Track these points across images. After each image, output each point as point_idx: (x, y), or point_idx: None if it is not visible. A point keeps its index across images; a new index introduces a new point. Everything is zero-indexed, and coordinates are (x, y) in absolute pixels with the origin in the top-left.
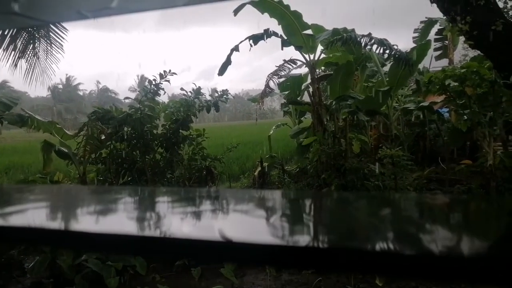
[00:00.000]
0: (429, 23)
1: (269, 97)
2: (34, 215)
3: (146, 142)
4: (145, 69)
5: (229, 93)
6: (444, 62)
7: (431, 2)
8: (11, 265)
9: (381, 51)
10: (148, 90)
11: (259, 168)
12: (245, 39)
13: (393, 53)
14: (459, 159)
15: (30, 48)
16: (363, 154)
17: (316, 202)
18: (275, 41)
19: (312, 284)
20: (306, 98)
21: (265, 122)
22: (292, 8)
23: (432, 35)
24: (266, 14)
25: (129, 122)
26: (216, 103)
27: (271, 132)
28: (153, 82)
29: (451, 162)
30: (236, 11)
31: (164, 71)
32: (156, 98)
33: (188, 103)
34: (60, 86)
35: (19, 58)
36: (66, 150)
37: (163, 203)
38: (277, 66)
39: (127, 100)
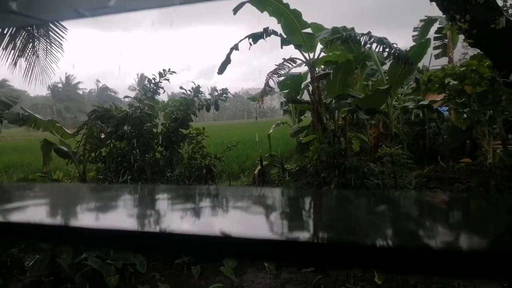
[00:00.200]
0: (429, 21)
1: (268, 96)
2: (34, 212)
3: (146, 141)
4: (145, 68)
5: (228, 91)
6: (443, 60)
7: (431, 1)
8: (11, 264)
9: (381, 50)
10: (147, 89)
11: (259, 167)
12: (245, 38)
13: (392, 51)
14: (459, 158)
15: (30, 47)
16: (362, 152)
17: (315, 199)
18: (275, 40)
19: (312, 283)
20: (305, 96)
21: (265, 120)
22: (291, 7)
23: (431, 33)
24: (265, 13)
25: (128, 121)
26: (216, 102)
27: (270, 131)
28: (153, 81)
29: (450, 160)
30: (235, 10)
31: (164, 70)
32: (156, 97)
33: (188, 102)
34: (60, 85)
35: (18, 57)
36: (66, 149)
37: (162, 200)
38: (276, 65)
39: (126, 99)
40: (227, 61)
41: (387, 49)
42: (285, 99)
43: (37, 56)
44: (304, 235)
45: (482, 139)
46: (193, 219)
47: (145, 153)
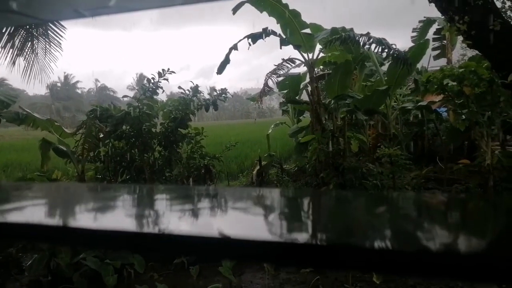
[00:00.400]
0: (428, 22)
1: (267, 96)
2: (31, 212)
3: (145, 141)
4: (144, 67)
5: (227, 91)
6: (442, 61)
7: (429, 2)
8: (9, 263)
9: (380, 51)
10: (146, 88)
11: (258, 167)
12: (244, 38)
13: (391, 52)
14: (457, 159)
15: (29, 46)
16: (361, 153)
17: (314, 200)
18: (274, 40)
19: (310, 283)
20: (304, 97)
21: (264, 121)
22: (290, 7)
23: (430, 34)
24: (264, 13)
25: (127, 120)
26: (215, 101)
27: (269, 131)
28: (152, 81)
29: (449, 161)
30: (234, 10)
31: (163, 70)
32: (155, 97)
33: (187, 101)
34: (59, 84)
35: (17, 56)
36: (65, 148)
37: (160, 201)
38: (275, 65)
39: (125, 99)
40: (226, 61)
41: (386, 50)
42: (284, 99)
43: (36, 55)
44: (302, 237)
45: (480, 140)
46: (191, 220)
47: (144, 153)
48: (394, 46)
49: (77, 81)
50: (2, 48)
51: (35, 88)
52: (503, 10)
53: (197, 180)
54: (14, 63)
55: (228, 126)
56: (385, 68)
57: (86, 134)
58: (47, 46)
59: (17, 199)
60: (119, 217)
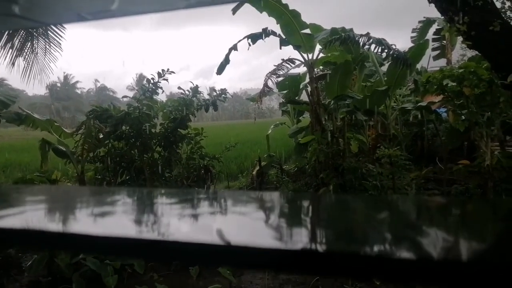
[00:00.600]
0: (427, 23)
1: (267, 96)
2: (29, 217)
3: (144, 141)
4: (144, 67)
5: (227, 92)
6: (442, 62)
7: (429, 2)
8: (9, 264)
9: (379, 51)
10: (146, 88)
11: (258, 167)
12: (244, 38)
13: (391, 52)
14: (457, 159)
15: (28, 46)
16: (361, 153)
17: (316, 205)
18: (274, 40)
19: (310, 284)
20: (304, 97)
21: (264, 121)
22: (290, 7)
23: (430, 35)
24: (264, 13)
25: (127, 120)
26: (215, 102)
27: (269, 131)
28: (152, 81)
29: (448, 162)
30: (234, 10)
31: (163, 70)
32: (154, 97)
33: (186, 102)
34: (58, 85)
35: (17, 56)
36: (64, 149)
37: (160, 205)
38: (275, 66)
39: (125, 99)
40: (226, 62)
41: (385, 50)
42: (283, 100)
43: (36, 55)
44: (304, 244)
45: (480, 140)
46: (191, 226)
47: (144, 153)
48: (394, 47)
49: (77, 81)
50: (1, 48)
51: (35, 88)
52: (503, 10)
53: (197, 181)
54: (13, 63)
55: (228, 126)
56: (384, 68)
57: (85, 135)
58: (47, 46)
59: (15, 203)
60: (116, 222)
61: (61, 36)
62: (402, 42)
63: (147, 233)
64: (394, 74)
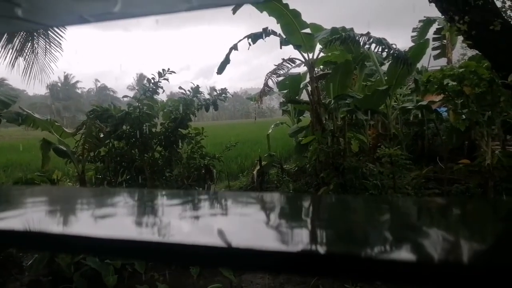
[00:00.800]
0: (428, 22)
1: (268, 96)
2: (30, 218)
3: (145, 141)
4: (144, 67)
5: (227, 91)
6: (442, 61)
7: (429, 2)
8: (10, 263)
9: (380, 50)
10: (146, 88)
11: (258, 167)
12: (244, 37)
13: (391, 52)
14: (457, 159)
15: (29, 46)
16: (361, 153)
17: (317, 205)
18: (274, 40)
19: (311, 283)
20: (304, 97)
21: (264, 120)
22: (290, 7)
23: (430, 34)
24: (265, 13)
25: (127, 120)
26: (215, 101)
27: (269, 131)
28: (152, 81)
29: (449, 161)
30: (234, 10)
31: (163, 70)
32: (155, 97)
33: (187, 101)
34: (59, 84)
35: (17, 56)
36: (65, 148)
37: (161, 207)
38: (276, 65)
39: (125, 99)
40: (226, 61)
41: (386, 50)
42: (284, 99)
43: (36, 55)
44: (306, 246)
45: (480, 140)
46: (191, 227)
47: (144, 153)
48: (394, 46)
49: (77, 81)
50: (2, 48)
51: (35, 88)
52: (503, 10)
53: (197, 180)
54: (14, 63)
55: (228, 126)
56: (385, 68)
57: (86, 134)
58: (47, 46)
59: (14, 204)
60: (116, 224)
61: (62, 36)
62: (402, 41)
63: (148, 235)
64: (394, 74)
